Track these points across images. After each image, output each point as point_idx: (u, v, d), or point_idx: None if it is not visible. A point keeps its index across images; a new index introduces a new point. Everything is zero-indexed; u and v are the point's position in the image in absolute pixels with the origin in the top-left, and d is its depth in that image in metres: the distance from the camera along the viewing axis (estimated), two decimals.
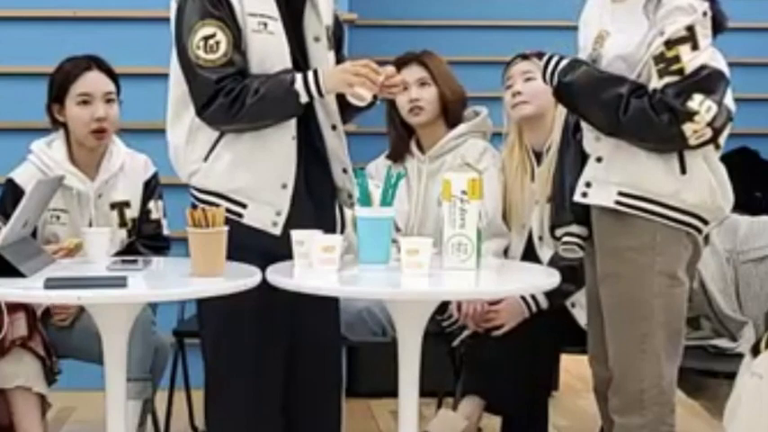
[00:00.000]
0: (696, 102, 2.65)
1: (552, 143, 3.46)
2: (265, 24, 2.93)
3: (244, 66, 2.92)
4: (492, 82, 3.73)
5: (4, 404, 3.26)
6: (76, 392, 4.00)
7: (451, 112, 3.65)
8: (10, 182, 3.44)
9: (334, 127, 3.06)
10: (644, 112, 2.67)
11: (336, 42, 3.12)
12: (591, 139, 2.82)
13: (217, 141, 2.96)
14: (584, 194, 2.79)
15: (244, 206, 2.95)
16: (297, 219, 2.90)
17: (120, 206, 3.48)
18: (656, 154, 2.73)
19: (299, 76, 2.89)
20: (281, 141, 2.95)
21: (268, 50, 2.94)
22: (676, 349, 2.82)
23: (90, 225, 3.39)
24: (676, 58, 2.67)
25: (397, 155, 3.69)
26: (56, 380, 3.37)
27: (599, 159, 2.77)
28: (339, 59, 3.11)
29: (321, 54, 3.01)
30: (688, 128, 2.66)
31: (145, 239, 3.52)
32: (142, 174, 3.54)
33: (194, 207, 2.76)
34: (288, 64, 2.95)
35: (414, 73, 3.62)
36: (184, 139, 2.99)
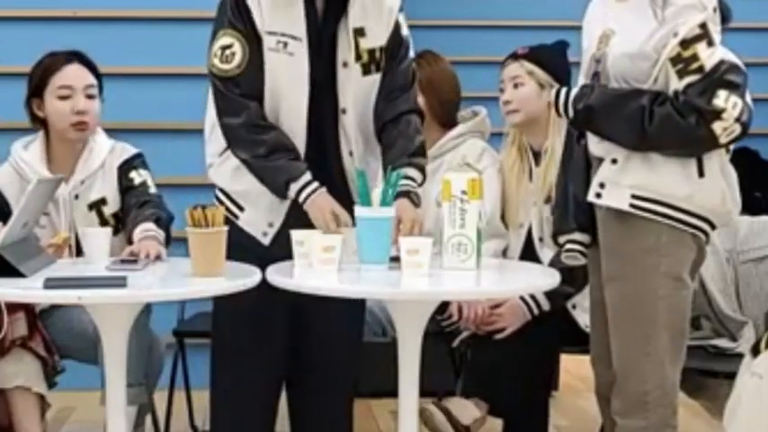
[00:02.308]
0: (721, 99, 2.63)
1: (550, 144, 3.46)
2: (285, 44, 2.91)
3: (255, 81, 2.91)
4: (492, 82, 3.73)
5: (3, 404, 3.26)
6: (76, 392, 3.99)
7: (441, 118, 3.65)
8: None
9: (350, 153, 3.03)
10: (670, 118, 2.63)
11: (390, 59, 3.02)
12: (596, 140, 2.81)
13: None
14: (598, 195, 2.76)
15: (241, 209, 2.97)
16: (290, 233, 2.88)
17: (97, 205, 3.38)
18: (673, 157, 2.70)
19: (300, 182, 2.86)
20: None
21: (282, 71, 2.93)
22: (680, 351, 2.81)
23: (74, 230, 3.33)
24: (694, 57, 2.64)
25: None
26: (56, 382, 3.37)
27: (614, 161, 2.74)
28: (393, 80, 3.04)
29: (348, 80, 2.97)
30: (718, 126, 2.63)
31: (137, 209, 3.31)
32: (116, 163, 3.43)
33: (195, 206, 2.76)
34: (304, 86, 2.93)
35: None
36: (208, 132, 3.06)
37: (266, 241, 2.99)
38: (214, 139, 3.04)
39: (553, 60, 3.52)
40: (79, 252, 3.26)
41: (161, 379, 3.61)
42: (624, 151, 2.74)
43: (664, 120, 2.64)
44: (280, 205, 2.98)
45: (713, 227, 2.78)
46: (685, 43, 2.64)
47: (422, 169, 2.99)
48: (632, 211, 2.72)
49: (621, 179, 2.73)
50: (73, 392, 3.95)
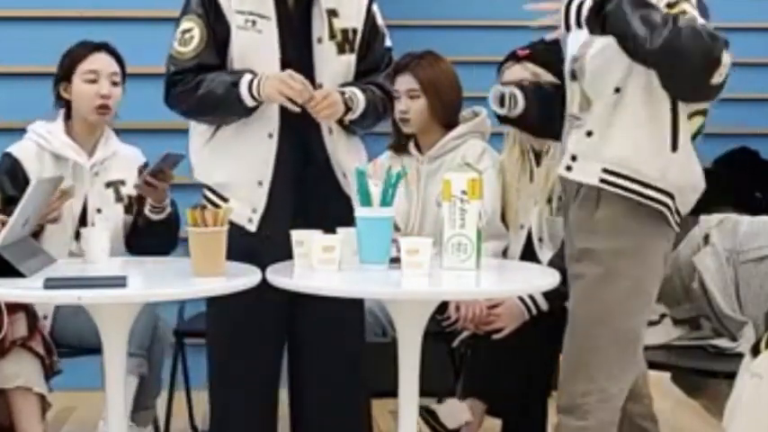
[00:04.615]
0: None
1: (552, 144, 3.46)
2: (254, 22, 2.96)
3: (213, 63, 2.97)
4: (492, 82, 3.72)
5: (4, 404, 3.26)
6: (76, 392, 4.00)
7: (443, 119, 3.65)
8: (7, 155, 3.52)
9: (330, 131, 3.05)
10: (695, 29, 2.55)
11: (366, 46, 3.09)
12: (577, 100, 2.77)
13: (211, 136, 3.03)
14: (569, 168, 2.75)
15: (225, 200, 2.99)
16: (275, 217, 2.91)
17: (116, 184, 3.56)
18: (648, 129, 2.66)
19: (245, 78, 2.91)
20: (257, 138, 2.98)
21: (251, 48, 2.97)
22: (632, 357, 2.76)
23: (84, 202, 3.48)
24: (683, 12, 2.62)
25: (399, 146, 3.71)
26: (50, 387, 3.37)
27: (589, 133, 2.72)
28: (368, 64, 3.10)
29: (324, 56, 3.01)
30: (725, 58, 2.56)
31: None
32: (135, 160, 3.64)
33: (195, 206, 2.76)
34: (274, 63, 2.96)
35: (405, 83, 3.63)
36: (190, 132, 3.10)
37: (252, 228, 2.99)
38: (194, 138, 3.08)
39: (553, 59, 3.51)
40: (83, 223, 3.46)
41: (163, 359, 3.64)
42: (601, 123, 2.70)
43: (689, 27, 2.55)
44: (259, 189, 2.98)
45: (675, 206, 2.73)
46: (671, 5, 2.63)
47: (367, 98, 3.03)
48: (602, 186, 2.70)
49: (595, 152, 2.70)
50: (73, 392, 3.96)
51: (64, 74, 3.56)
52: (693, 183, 2.76)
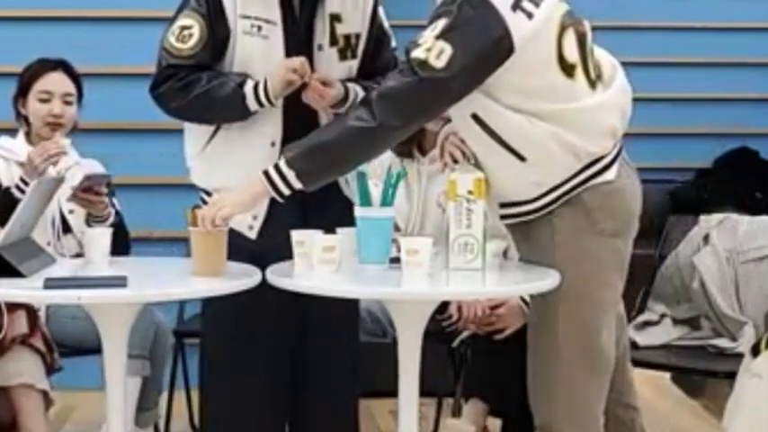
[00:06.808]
0: (420, 41, 2.54)
1: None
2: (259, 28, 2.93)
3: (208, 64, 2.94)
4: None
5: (6, 402, 3.26)
6: (76, 392, 4.00)
7: (445, 119, 3.65)
8: None
9: None
10: (387, 89, 2.58)
11: (372, 51, 3.06)
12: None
13: (209, 140, 3.00)
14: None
15: None
16: (276, 224, 2.89)
17: None
18: (488, 162, 2.64)
19: (249, 82, 2.89)
20: (259, 146, 2.95)
21: (255, 54, 2.94)
22: (593, 366, 2.68)
23: (58, 207, 3.50)
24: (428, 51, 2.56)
25: (403, 150, 3.71)
26: (51, 385, 3.37)
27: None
28: (374, 70, 3.06)
29: (324, 64, 2.98)
30: (417, 53, 2.51)
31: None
32: (97, 168, 3.66)
33: (196, 206, 2.76)
34: None
35: None
36: (186, 134, 3.07)
37: (253, 235, 2.98)
38: (190, 141, 3.06)
39: None
40: (66, 229, 3.54)
41: (166, 362, 3.66)
42: None
43: (383, 92, 2.58)
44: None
45: (585, 177, 2.64)
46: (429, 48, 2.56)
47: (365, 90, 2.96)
48: (507, 221, 2.71)
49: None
50: (73, 392, 3.96)
51: (20, 90, 3.63)
52: (568, 158, 2.61)
